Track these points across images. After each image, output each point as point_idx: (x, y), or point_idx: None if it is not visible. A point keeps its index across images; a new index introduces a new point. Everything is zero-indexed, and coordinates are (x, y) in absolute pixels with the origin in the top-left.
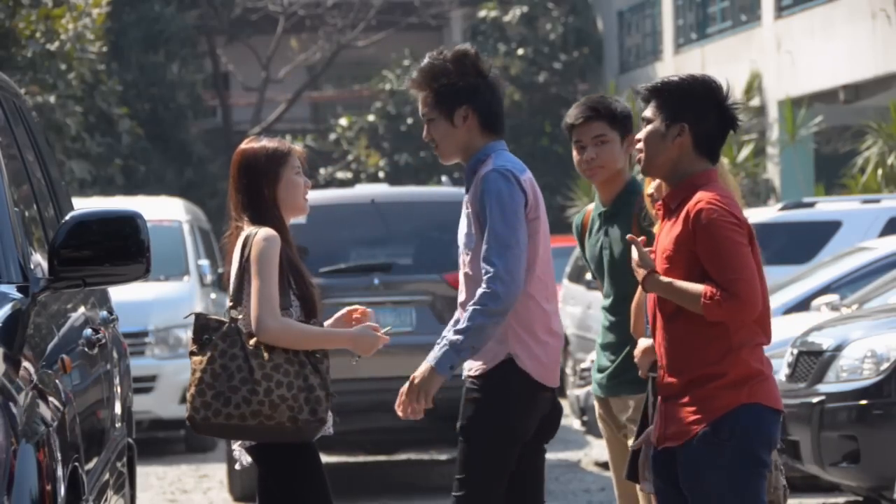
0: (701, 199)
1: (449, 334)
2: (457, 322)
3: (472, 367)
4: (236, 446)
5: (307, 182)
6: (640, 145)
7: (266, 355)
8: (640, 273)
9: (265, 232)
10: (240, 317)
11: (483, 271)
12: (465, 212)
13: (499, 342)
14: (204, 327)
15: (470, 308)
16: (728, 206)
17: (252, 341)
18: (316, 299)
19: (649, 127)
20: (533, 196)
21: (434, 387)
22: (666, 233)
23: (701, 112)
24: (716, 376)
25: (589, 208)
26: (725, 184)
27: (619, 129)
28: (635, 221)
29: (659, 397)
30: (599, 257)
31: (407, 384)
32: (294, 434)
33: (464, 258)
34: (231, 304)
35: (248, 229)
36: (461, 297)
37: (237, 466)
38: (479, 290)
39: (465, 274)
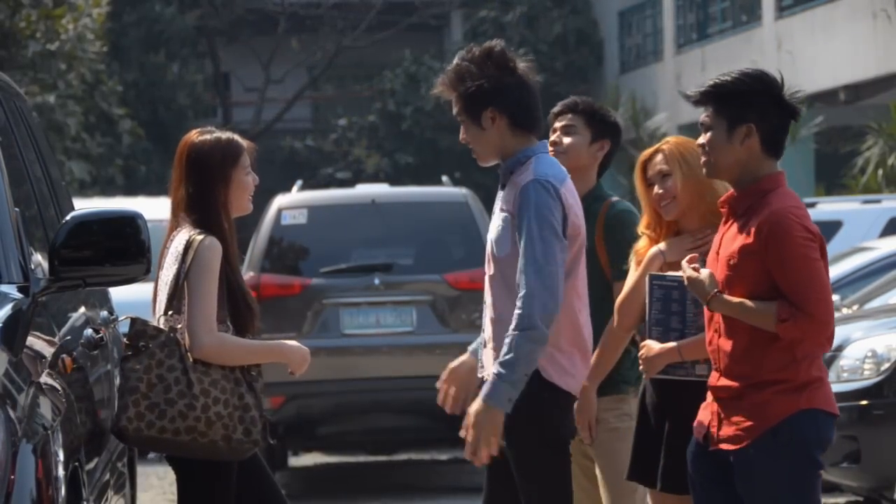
0: (775, 210)
1: (496, 367)
2: (498, 343)
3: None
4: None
5: (255, 179)
6: (704, 150)
7: (205, 369)
8: (705, 294)
9: (210, 241)
10: (178, 326)
11: (518, 288)
12: (499, 212)
13: None
14: (140, 334)
15: (511, 334)
16: (802, 218)
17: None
18: (252, 315)
19: (711, 133)
20: (571, 207)
21: (499, 424)
22: (731, 239)
23: (764, 109)
24: (776, 382)
25: None
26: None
27: (593, 129)
28: (599, 230)
29: (711, 398)
30: None
31: (470, 431)
32: (226, 453)
33: (493, 259)
34: (170, 311)
35: (191, 233)
36: (488, 298)
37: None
38: (517, 312)
39: (493, 276)
